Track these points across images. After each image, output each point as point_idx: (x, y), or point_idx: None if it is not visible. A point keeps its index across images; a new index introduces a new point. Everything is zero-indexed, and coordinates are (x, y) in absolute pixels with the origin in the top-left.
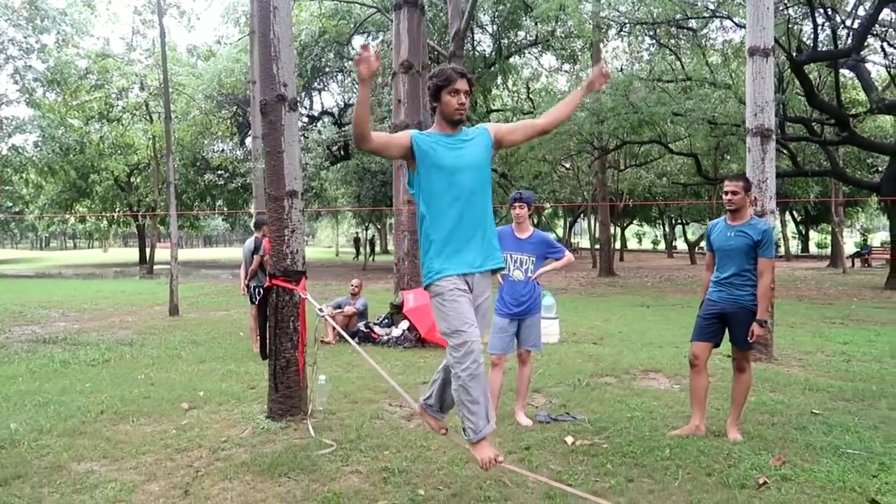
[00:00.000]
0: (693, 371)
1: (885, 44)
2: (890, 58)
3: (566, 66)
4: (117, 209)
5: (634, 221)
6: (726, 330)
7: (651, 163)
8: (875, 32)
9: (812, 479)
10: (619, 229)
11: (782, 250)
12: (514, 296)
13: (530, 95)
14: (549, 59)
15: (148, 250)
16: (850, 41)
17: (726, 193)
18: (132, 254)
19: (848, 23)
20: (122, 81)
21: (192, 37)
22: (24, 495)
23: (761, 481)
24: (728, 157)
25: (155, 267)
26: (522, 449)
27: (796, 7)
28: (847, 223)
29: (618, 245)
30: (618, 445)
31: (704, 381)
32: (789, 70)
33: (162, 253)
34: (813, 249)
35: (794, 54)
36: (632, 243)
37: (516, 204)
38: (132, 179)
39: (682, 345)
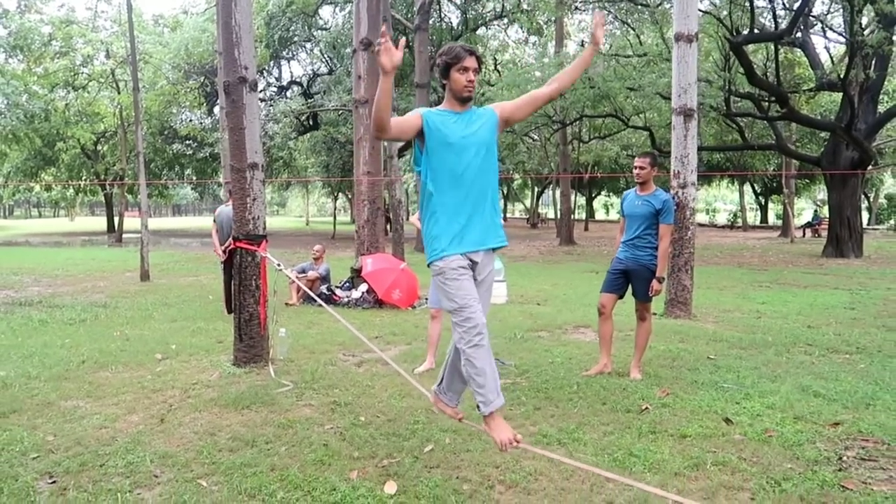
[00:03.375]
0: (601, 318)
1: (823, 25)
2: (837, 33)
3: (532, 39)
4: (84, 178)
5: (602, 192)
6: (629, 285)
7: (615, 135)
8: (814, 13)
9: (686, 406)
10: (585, 200)
11: (740, 221)
12: None
13: (497, 67)
14: (515, 32)
15: (116, 219)
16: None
17: (636, 168)
18: (99, 222)
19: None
20: (88, 49)
21: (159, 4)
22: (22, 424)
23: (644, 407)
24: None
25: (124, 235)
26: None
27: None
28: (804, 195)
29: (584, 216)
30: (535, 384)
31: (610, 327)
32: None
33: (130, 222)
34: (772, 220)
35: (734, 35)
36: (600, 214)
37: None
38: (99, 148)
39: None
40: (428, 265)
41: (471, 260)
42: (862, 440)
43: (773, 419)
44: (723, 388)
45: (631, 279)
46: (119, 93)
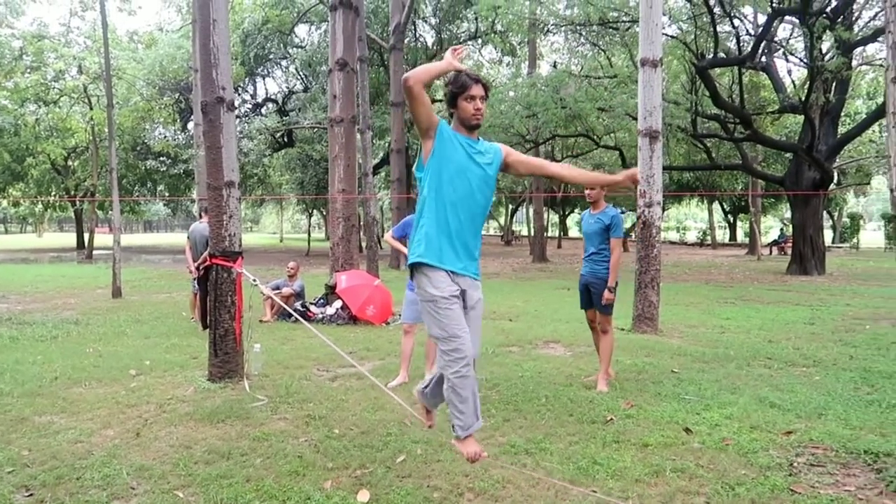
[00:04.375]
0: (593, 332)
1: (785, 51)
2: (797, 59)
3: (506, 59)
4: (53, 193)
5: (576, 210)
6: None
7: (587, 154)
8: (774, 39)
9: (649, 417)
10: (558, 218)
11: (709, 239)
12: None
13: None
14: (489, 52)
15: (86, 235)
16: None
17: (586, 190)
18: (68, 239)
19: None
20: (60, 64)
21: (133, 21)
22: None
23: (608, 418)
24: None
25: (94, 252)
26: None
27: (703, 17)
28: (771, 214)
29: (557, 233)
30: (505, 396)
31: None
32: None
33: (101, 238)
34: (741, 238)
35: (699, 59)
36: (573, 231)
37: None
38: (69, 163)
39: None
40: (409, 266)
41: (457, 284)
42: (812, 447)
43: (731, 428)
44: (684, 399)
45: (591, 292)
46: (91, 108)
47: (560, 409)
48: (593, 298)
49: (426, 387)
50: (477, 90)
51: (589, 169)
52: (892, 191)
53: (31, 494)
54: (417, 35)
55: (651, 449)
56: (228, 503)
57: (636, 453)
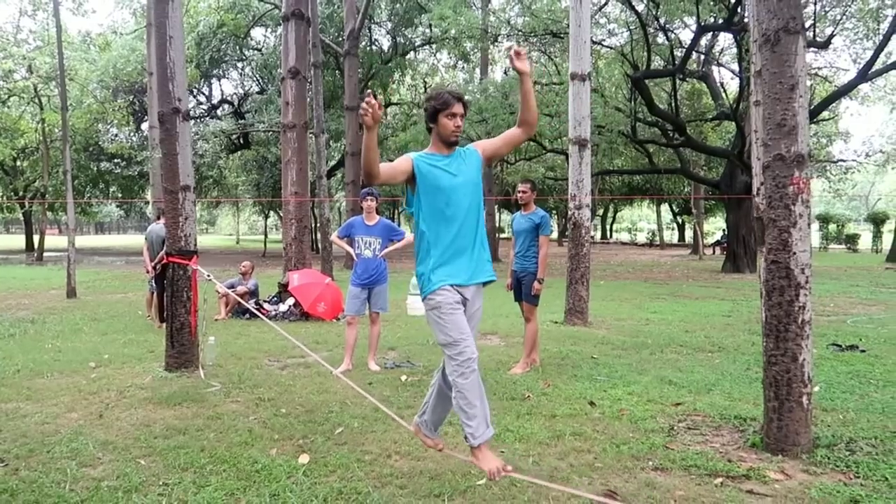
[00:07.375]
0: (526, 323)
1: (717, 62)
2: (728, 70)
3: (461, 64)
4: (1, 194)
5: None
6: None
7: (539, 157)
8: (711, 50)
9: (561, 394)
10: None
11: (657, 239)
12: (365, 269)
13: (427, 90)
14: (445, 56)
15: (36, 237)
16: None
17: (518, 192)
18: (15, 240)
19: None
20: (8, 63)
21: (85, 21)
22: None
23: (526, 396)
24: (597, 156)
25: (45, 254)
26: (366, 384)
27: (639, 30)
28: (718, 215)
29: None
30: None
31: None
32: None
33: (51, 240)
34: (688, 238)
35: (635, 70)
36: None
37: (368, 198)
38: (18, 164)
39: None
40: (423, 299)
41: (462, 295)
42: (694, 415)
43: (630, 402)
44: (596, 380)
45: (521, 285)
46: (42, 109)
47: (486, 389)
48: (523, 291)
49: (422, 413)
50: (458, 108)
51: (543, 170)
52: (755, 195)
53: (5, 464)
54: (373, 39)
55: (557, 419)
56: (185, 467)
57: (544, 423)
